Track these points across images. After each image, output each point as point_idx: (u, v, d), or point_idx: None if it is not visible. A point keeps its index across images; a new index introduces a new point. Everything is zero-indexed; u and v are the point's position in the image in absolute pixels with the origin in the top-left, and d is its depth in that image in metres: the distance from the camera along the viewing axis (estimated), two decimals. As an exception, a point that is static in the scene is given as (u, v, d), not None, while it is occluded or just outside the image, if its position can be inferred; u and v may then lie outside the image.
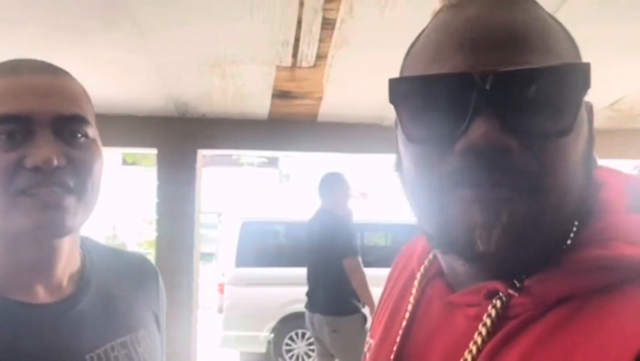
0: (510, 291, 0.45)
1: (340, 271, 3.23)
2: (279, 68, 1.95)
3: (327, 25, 1.56)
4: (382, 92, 2.06)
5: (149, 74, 2.02)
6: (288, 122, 2.71)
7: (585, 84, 0.44)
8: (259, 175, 12.43)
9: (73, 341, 0.68)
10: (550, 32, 0.46)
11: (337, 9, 1.46)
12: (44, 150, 0.61)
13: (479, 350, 0.45)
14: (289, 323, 5.82)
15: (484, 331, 0.46)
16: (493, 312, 0.46)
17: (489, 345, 0.45)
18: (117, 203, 10.74)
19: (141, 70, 1.98)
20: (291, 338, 5.88)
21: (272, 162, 12.45)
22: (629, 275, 0.43)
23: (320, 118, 2.68)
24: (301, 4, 1.43)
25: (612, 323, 0.41)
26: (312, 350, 5.95)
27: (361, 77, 2.07)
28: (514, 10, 0.45)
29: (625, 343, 0.39)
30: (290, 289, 5.73)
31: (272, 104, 2.44)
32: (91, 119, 0.69)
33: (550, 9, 0.49)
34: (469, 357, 0.46)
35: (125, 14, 1.53)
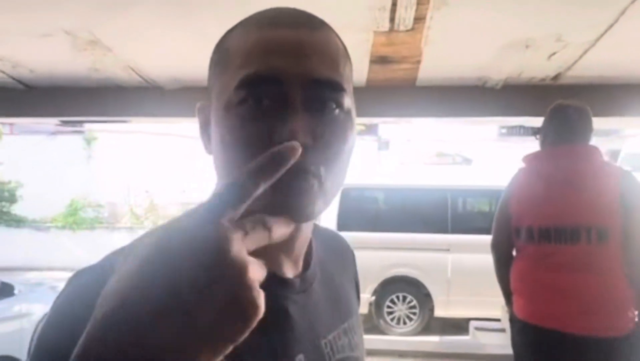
0: None
1: None
2: (376, 33, 1.95)
3: (425, -14, 1.54)
4: (484, 52, 2.01)
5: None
6: (386, 88, 2.71)
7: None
8: (358, 142, 12.49)
9: (312, 322, 0.63)
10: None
11: (435, -30, 1.43)
12: (290, 123, 0.52)
13: None
14: (390, 286, 5.91)
15: None
16: None
17: None
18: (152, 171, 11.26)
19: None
20: (392, 301, 5.97)
21: (371, 129, 12.41)
22: None
23: (419, 82, 2.65)
24: (397, -33, 1.43)
25: None
26: (414, 313, 6.01)
27: (461, 38, 2.02)
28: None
29: None
30: (391, 253, 5.80)
31: (369, 71, 2.45)
32: (348, 85, 0.58)
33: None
34: None
35: (230, -10, 1.60)
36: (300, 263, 0.66)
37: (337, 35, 0.60)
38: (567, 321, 2.03)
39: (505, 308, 2.48)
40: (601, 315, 2.01)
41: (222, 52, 0.59)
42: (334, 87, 0.55)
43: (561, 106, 2.20)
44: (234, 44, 0.57)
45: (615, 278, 2.03)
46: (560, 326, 2.04)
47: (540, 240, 2.12)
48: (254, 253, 0.60)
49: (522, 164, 2.32)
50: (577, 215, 2.06)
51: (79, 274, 0.54)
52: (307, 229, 0.64)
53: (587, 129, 2.16)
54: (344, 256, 0.82)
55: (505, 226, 2.27)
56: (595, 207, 2.06)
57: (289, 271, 0.63)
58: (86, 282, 0.52)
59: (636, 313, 2.03)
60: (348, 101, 0.57)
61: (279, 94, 0.53)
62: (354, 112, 0.59)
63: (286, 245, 0.62)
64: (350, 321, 0.71)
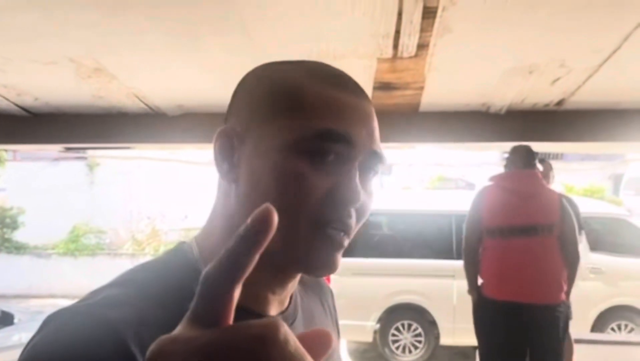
0: None
1: None
2: (379, 60, 1.96)
3: (428, 14, 1.54)
4: (488, 78, 2.02)
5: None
6: (389, 114, 2.71)
7: None
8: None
9: None
10: None
11: (438, -3, 1.44)
12: (355, 185, 0.58)
13: None
14: (395, 314, 5.83)
15: None
16: None
17: None
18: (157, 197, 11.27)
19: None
20: (397, 329, 5.89)
21: (374, 154, 12.47)
22: None
23: (422, 108, 2.65)
24: (401, -5, 1.43)
25: None
26: (419, 341, 5.91)
27: (465, 64, 2.02)
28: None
29: None
30: (395, 280, 5.73)
31: (373, 97, 2.45)
32: None
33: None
34: None
35: (235, 17, 1.62)
36: (287, 303, 0.67)
37: None
38: (529, 293, 3.00)
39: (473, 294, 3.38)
40: (550, 288, 3.04)
41: (284, 95, 0.61)
42: (382, 161, 0.63)
43: (519, 146, 3.19)
44: (303, 93, 0.60)
45: (557, 260, 3.05)
46: (524, 298, 3.00)
47: (509, 235, 3.05)
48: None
49: (489, 183, 3.30)
50: (534, 216, 3.05)
51: (52, 319, 0.52)
52: None
53: (534, 162, 3.20)
54: (323, 294, 0.83)
55: (477, 226, 3.21)
56: (544, 210, 3.08)
57: (274, 310, 0.64)
58: (57, 328, 0.51)
59: (565, 286, 3.10)
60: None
61: (348, 155, 0.59)
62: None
63: (279, 284, 0.63)
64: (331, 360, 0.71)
